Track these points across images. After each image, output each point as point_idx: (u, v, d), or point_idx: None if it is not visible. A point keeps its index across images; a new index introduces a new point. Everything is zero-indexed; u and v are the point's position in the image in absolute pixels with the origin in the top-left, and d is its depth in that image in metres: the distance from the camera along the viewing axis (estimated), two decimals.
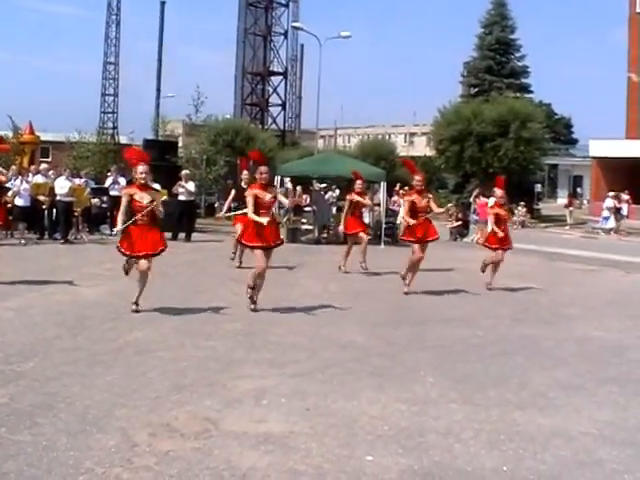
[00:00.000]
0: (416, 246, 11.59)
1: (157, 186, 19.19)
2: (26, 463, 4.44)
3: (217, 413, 5.50)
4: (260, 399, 5.87)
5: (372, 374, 6.77)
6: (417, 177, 11.83)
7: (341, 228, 14.75)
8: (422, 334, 8.65)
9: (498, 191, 12.64)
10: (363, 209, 15.23)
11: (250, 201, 9.33)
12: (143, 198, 8.94)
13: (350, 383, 6.45)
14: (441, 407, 5.88)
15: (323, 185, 24.86)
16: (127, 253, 9.14)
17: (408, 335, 8.53)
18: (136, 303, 9.16)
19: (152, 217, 9.02)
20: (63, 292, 10.61)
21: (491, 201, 23.40)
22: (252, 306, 9.59)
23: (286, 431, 5.18)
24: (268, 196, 9.40)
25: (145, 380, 6.30)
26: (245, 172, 14.63)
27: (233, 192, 14.69)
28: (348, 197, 14.67)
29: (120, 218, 9.00)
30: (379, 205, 22.01)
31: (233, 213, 14.47)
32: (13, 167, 19.61)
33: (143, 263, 9.03)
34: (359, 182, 14.75)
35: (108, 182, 20.60)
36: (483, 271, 12.65)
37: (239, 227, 14.02)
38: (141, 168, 9.02)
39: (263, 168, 9.55)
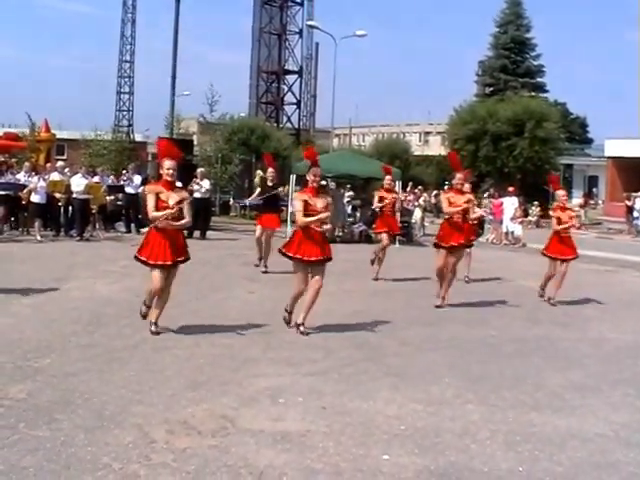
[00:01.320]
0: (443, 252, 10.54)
1: (178, 184, 19.29)
2: (45, 458, 4.48)
3: (234, 411, 5.53)
4: (277, 397, 5.89)
5: (388, 374, 6.78)
6: (458, 175, 10.61)
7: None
8: (437, 334, 8.65)
9: (560, 192, 11.54)
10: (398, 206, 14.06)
11: (298, 205, 8.18)
12: (170, 198, 7.76)
13: (366, 382, 6.46)
14: (457, 407, 5.88)
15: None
16: (143, 259, 7.89)
17: (423, 335, 8.53)
18: (155, 323, 7.98)
19: (177, 220, 7.83)
20: (79, 289, 10.67)
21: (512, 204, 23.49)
22: (289, 326, 8.50)
23: (303, 430, 5.20)
24: (320, 203, 8.22)
25: (162, 377, 6.33)
26: (271, 169, 14.15)
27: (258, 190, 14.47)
28: (377, 194, 13.73)
29: (155, 214, 7.74)
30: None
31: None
32: (26, 164, 19.68)
33: (156, 278, 7.84)
34: (388, 178, 13.75)
35: (123, 179, 20.71)
36: (542, 296, 11.42)
37: (259, 229, 13.80)
38: (168, 164, 7.86)
39: (316, 170, 8.36)
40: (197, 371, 6.55)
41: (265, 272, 13.24)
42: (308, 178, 8.38)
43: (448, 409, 5.82)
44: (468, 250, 12.47)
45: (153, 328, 7.91)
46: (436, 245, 10.65)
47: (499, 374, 6.97)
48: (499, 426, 5.46)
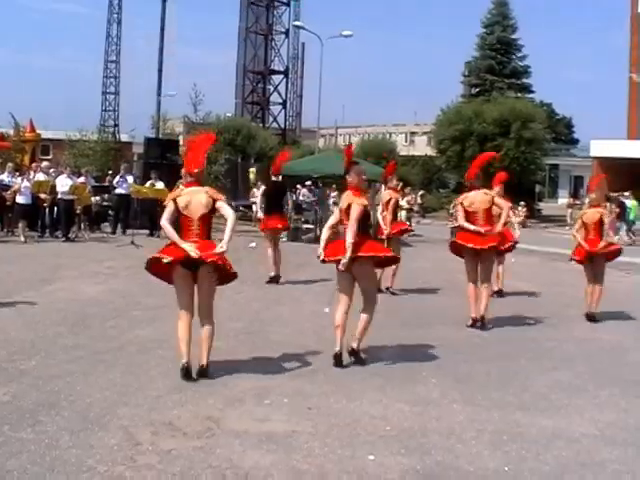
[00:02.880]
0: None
1: (161, 185, 19.26)
2: (29, 461, 4.46)
3: (219, 412, 5.52)
4: (262, 398, 5.88)
5: (374, 374, 6.77)
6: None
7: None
8: (424, 335, 8.65)
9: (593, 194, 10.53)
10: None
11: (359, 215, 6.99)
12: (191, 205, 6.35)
13: (352, 383, 6.45)
14: (443, 408, 5.89)
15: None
16: (157, 257, 6.33)
17: (410, 336, 8.53)
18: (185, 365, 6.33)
19: (205, 229, 6.40)
20: (64, 290, 10.62)
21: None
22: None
23: (288, 430, 5.20)
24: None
25: (147, 378, 6.31)
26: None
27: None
28: (393, 196, 12.01)
29: (164, 226, 6.38)
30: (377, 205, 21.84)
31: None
32: (9, 164, 19.55)
33: (202, 274, 6.25)
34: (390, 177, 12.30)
35: (116, 180, 20.61)
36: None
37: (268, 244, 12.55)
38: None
39: (360, 168, 7.32)
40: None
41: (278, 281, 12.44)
42: (351, 179, 7.20)
43: (434, 409, 5.83)
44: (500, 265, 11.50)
45: (181, 366, 6.31)
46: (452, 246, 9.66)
47: (485, 374, 6.99)
48: (485, 426, 5.47)
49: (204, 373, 6.33)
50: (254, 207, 25.87)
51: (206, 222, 6.38)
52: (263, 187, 13.39)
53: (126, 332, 8.03)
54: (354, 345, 7.12)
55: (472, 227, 9.16)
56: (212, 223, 6.49)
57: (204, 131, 32.11)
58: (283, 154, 14.09)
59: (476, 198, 9.29)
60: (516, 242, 11.72)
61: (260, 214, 12.83)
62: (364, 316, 7.12)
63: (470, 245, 9.19)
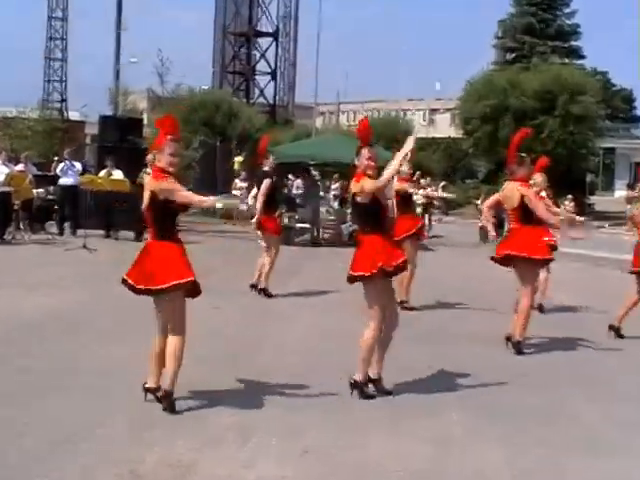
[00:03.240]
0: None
1: (119, 174, 19.30)
2: None
3: (193, 454, 5.51)
4: (246, 438, 5.88)
5: (383, 406, 6.80)
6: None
7: None
8: (443, 355, 8.66)
9: None
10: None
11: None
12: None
13: (356, 417, 6.48)
14: (468, 447, 5.90)
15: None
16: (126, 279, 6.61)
17: (425, 357, 8.54)
18: (149, 389, 6.65)
19: (156, 226, 6.58)
20: (5, 303, 10.64)
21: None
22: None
23: (278, 477, 5.20)
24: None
25: (104, 411, 6.31)
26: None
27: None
28: (408, 187, 12.26)
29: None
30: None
31: None
32: None
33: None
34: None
35: (59, 168, 20.65)
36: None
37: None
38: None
39: (369, 150, 7.32)
40: (149, 404, 6.52)
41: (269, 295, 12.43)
42: (359, 163, 7.31)
43: (457, 449, 5.85)
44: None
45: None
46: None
47: (521, 406, 7.01)
48: (522, 471, 5.49)
49: (169, 405, 6.39)
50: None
51: (152, 217, 6.52)
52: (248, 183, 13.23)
53: (82, 354, 8.06)
54: (356, 377, 7.13)
55: (484, 220, 9.49)
56: (169, 218, 6.57)
57: (173, 108, 32.15)
58: (264, 139, 14.00)
59: (512, 191, 9.28)
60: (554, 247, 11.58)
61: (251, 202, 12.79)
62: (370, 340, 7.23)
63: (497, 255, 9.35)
